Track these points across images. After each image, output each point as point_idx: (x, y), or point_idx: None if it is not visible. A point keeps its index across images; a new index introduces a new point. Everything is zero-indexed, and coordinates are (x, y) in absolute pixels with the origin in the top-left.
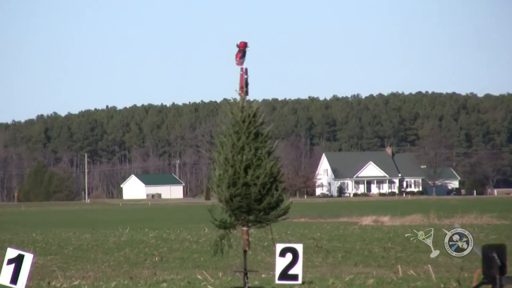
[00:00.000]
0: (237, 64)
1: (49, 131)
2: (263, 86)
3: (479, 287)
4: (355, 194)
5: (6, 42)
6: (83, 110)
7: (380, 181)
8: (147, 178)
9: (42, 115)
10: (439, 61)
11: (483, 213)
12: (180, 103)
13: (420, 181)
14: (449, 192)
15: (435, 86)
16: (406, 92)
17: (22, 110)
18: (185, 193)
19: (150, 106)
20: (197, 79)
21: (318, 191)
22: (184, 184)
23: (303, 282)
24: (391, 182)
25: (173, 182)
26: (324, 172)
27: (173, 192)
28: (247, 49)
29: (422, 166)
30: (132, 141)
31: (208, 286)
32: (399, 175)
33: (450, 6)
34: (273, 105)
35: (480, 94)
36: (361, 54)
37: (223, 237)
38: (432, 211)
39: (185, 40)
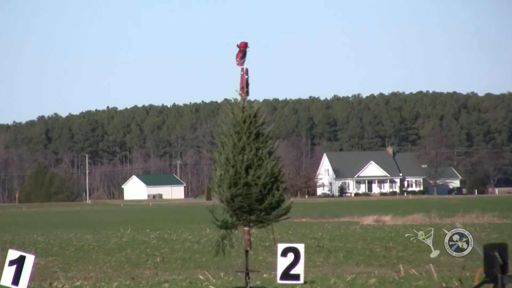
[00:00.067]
0: (237, 64)
1: (50, 132)
2: (264, 86)
3: (480, 286)
4: (356, 194)
5: (6, 42)
6: (84, 111)
7: (381, 181)
8: (148, 179)
9: (43, 116)
10: (439, 61)
11: (484, 212)
12: (181, 103)
13: (421, 180)
14: (450, 191)
15: (435, 85)
16: (407, 92)
17: (23, 111)
18: (186, 194)
19: (151, 106)
20: (197, 79)
21: (319, 191)
22: (185, 185)
23: (305, 282)
24: (392, 182)
25: (174, 182)
26: (325, 172)
27: (174, 192)
28: (248, 50)
29: (423, 166)
30: (133, 142)
31: (210, 286)
32: (400, 174)
33: (450, 6)
34: (274, 105)
35: (481, 94)
36: (362, 54)
37: (224, 237)
38: (433, 211)
39: (186, 40)
